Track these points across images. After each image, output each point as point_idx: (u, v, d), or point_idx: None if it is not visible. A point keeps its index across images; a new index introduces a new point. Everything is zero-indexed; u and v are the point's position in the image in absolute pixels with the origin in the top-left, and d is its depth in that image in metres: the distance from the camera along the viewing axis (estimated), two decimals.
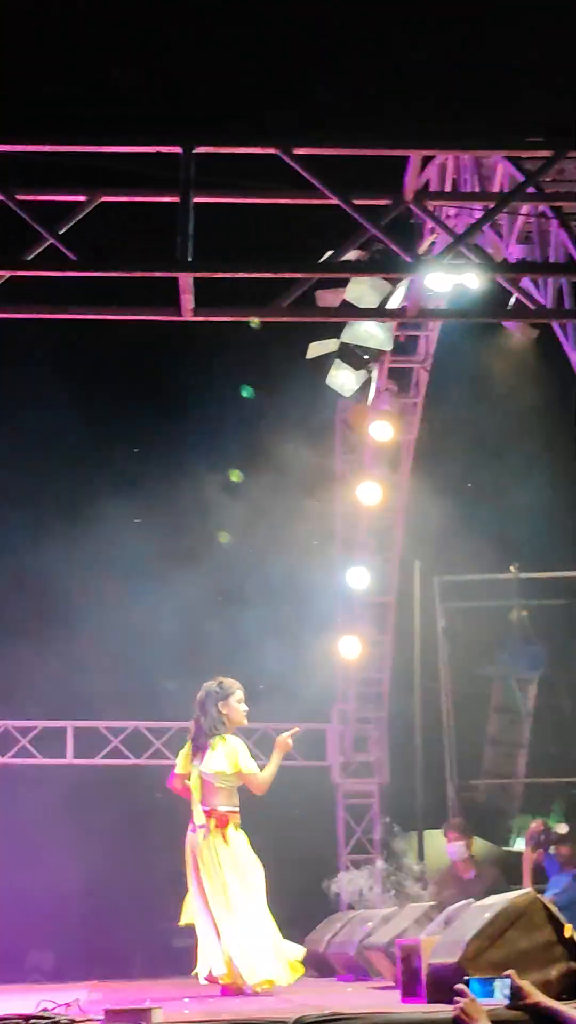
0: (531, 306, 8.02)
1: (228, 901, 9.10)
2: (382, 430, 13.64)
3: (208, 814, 9.22)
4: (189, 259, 7.09)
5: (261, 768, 9.58)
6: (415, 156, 7.53)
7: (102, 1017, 6.27)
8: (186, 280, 7.17)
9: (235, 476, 15.23)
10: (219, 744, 9.33)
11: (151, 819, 14.35)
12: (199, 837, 9.23)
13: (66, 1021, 6.28)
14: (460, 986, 6.04)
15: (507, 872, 12.61)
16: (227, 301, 7.57)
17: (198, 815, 9.28)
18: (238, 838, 9.29)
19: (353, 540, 15.18)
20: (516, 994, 6.19)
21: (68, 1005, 7.38)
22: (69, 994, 8.20)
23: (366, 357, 11.76)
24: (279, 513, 14.87)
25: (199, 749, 9.42)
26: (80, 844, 13.75)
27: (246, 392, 15.14)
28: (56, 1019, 6.26)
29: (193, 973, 9.28)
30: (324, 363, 11.85)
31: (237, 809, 9.43)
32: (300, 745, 15.43)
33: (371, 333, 11.41)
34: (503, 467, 15.28)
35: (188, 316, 7.39)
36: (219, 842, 9.19)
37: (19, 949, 13.47)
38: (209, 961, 9.11)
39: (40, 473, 14.63)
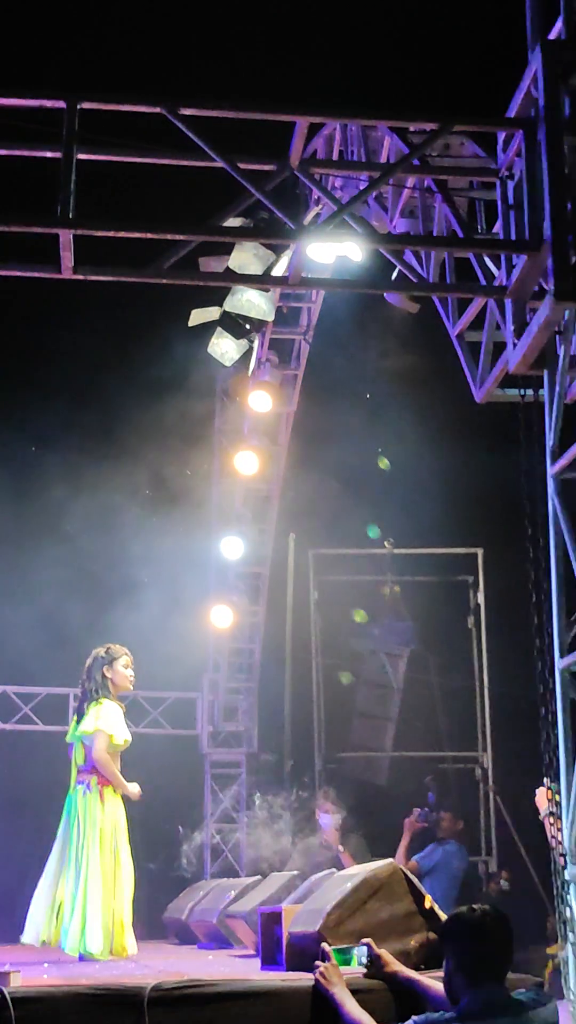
0: (413, 279, 8.02)
1: (86, 864, 9.04)
2: (261, 401, 13.60)
3: (91, 772, 9.18)
4: (70, 216, 7.00)
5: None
6: (302, 122, 7.50)
7: None
8: (66, 236, 7.07)
9: (383, 463, 15.27)
10: (93, 708, 9.30)
11: (19, 784, 14.30)
12: (78, 795, 9.18)
13: None
14: (325, 947, 6.08)
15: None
16: (107, 261, 7.48)
17: (76, 775, 9.24)
18: (115, 802, 9.22)
19: (229, 510, 15.17)
20: (374, 962, 6.25)
21: None
22: None
23: (248, 327, 11.70)
24: (155, 480, 14.81)
25: (80, 715, 9.40)
26: None
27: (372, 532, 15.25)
28: None
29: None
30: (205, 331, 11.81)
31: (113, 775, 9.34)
32: (170, 713, 15.45)
33: (254, 303, 11.36)
34: (380, 441, 15.35)
35: (67, 274, 7.28)
36: (96, 803, 9.14)
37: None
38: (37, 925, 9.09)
39: None
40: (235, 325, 11.54)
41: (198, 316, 11.77)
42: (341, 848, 12.12)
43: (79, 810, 9.16)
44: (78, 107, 7.18)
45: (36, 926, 9.09)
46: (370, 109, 7.81)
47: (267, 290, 11.42)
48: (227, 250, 10.17)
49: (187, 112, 7.30)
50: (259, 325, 12.03)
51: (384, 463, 15.53)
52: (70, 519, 14.60)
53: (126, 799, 9.34)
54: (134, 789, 9.39)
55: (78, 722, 9.42)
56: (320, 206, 10.19)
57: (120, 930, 9.05)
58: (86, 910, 8.92)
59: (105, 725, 9.26)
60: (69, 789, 9.34)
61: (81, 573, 14.43)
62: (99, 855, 9.06)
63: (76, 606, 14.29)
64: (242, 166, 7.39)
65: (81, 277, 7.35)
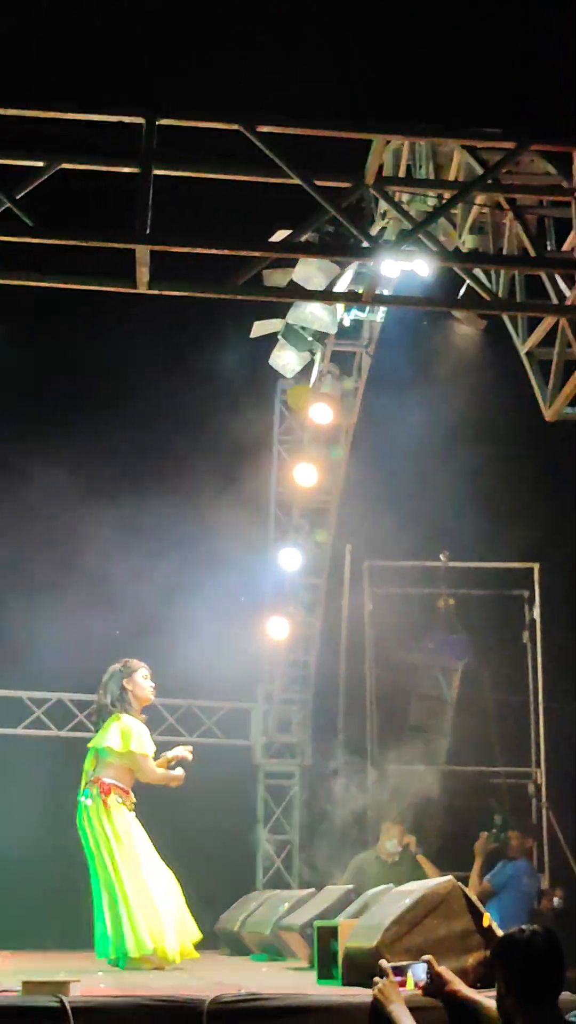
0: (486, 297, 8.03)
1: (110, 872, 9.07)
2: (322, 413, 13.64)
3: (94, 782, 9.18)
4: (147, 231, 7.04)
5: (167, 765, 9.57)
6: (379, 140, 7.53)
7: (19, 988, 6.24)
8: (143, 252, 7.13)
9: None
10: (113, 723, 9.27)
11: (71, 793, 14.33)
12: (82, 809, 9.19)
13: None
14: (383, 963, 6.07)
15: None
16: (181, 276, 7.53)
17: (84, 782, 9.26)
18: (121, 811, 9.20)
19: (287, 521, 15.21)
20: (435, 980, 6.23)
21: None
22: None
23: (310, 339, 11.73)
24: (214, 491, 14.83)
25: (97, 728, 9.41)
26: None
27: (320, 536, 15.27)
28: None
29: None
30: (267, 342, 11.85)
31: (126, 788, 9.32)
32: (224, 724, 15.47)
33: (316, 315, 11.39)
34: (439, 455, 15.32)
35: (143, 289, 7.34)
36: (102, 811, 9.13)
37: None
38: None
39: None
40: (297, 337, 11.57)
41: (261, 328, 11.82)
42: (419, 855, 12.16)
43: (87, 824, 9.15)
44: (156, 123, 7.23)
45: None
46: (447, 128, 7.83)
47: (330, 303, 11.45)
48: (291, 264, 10.20)
49: (264, 130, 7.34)
50: (321, 338, 12.07)
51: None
52: (128, 528, 14.66)
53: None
54: (178, 773, 9.53)
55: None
56: (386, 221, 10.21)
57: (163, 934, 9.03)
58: (127, 915, 8.93)
59: (137, 746, 9.22)
60: (79, 793, 9.33)
61: (137, 583, 14.47)
62: (121, 861, 9.04)
63: (132, 616, 14.33)
64: (317, 183, 7.42)
65: (156, 292, 7.40)
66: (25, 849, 13.55)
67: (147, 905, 9.02)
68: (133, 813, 9.33)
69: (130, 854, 9.10)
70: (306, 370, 13.01)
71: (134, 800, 9.38)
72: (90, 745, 9.37)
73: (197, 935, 9.38)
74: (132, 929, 8.91)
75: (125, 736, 9.22)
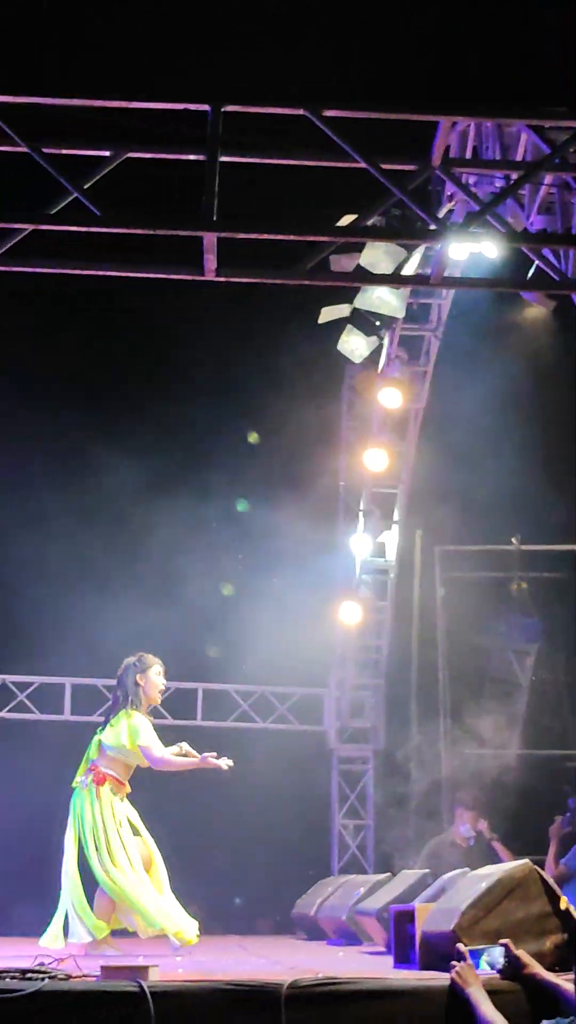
0: (555, 277, 7.97)
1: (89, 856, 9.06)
2: (391, 397, 13.61)
3: (91, 769, 9.15)
4: (214, 218, 7.05)
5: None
6: (445, 122, 7.49)
7: (98, 973, 6.29)
8: (210, 239, 7.13)
9: (252, 438, 15.20)
10: (123, 719, 9.25)
11: (146, 780, 14.40)
12: (77, 795, 9.18)
13: (63, 976, 6.29)
14: (461, 947, 6.07)
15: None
16: (248, 262, 7.53)
17: (84, 769, 9.24)
18: (110, 801, 9.15)
19: (356, 507, 15.20)
20: (513, 963, 6.22)
21: (63, 960, 7.42)
22: (64, 949, 8.24)
23: (378, 324, 11.70)
24: (284, 477, 14.85)
25: (106, 721, 9.38)
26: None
27: (242, 506, 15.15)
28: (53, 974, 6.28)
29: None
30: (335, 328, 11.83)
31: (121, 780, 9.29)
32: (297, 709, 15.50)
33: (384, 299, 11.36)
34: (509, 438, 15.24)
35: (211, 276, 7.35)
36: (92, 797, 9.11)
37: (6, 902, 13.49)
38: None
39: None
40: (365, 322, 11.54)
41: (329, 313, 11.79)
42: (471, 845, 12.10)
43: (79, 811, 9.15)
44: (222, 110, 7.23)
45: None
46: (513, 108, 7.77)
47: (398, 287, 11.41)
48: (358, 248, 10.17)
49: (329, 114, 7.31)
50: (389, 322, 12.04)
51: (253, 437, 15.47)
52: (197, 516, 14.71)
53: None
54: (194, 758, 9.37)
55: (104, 726, 9.41)
56: (453, 203, 10.17)
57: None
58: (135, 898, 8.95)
59: (144, 741, 9.20)
60: (73, 780, 9.34)
61: (209, 569, 14.53)
62: (106, 848, 9.00)
63: (204, 605, 14.40)
64: (383, 166, 7.39)
65: (224, 280, 7.40)
66: None
67: (126, 892, 8.96)
68: (126, 802, 9.30)
69: (108, 842, 9.03)
70: (374, 355, 12.99)
71: (128, 791, 9.37)
72: (100, 738, 9.32)
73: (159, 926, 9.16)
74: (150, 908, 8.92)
75: (133, 735, 9.19)
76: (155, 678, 9.44)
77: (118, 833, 9.06)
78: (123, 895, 8.95)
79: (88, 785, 9.14)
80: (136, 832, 9.24)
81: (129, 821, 9.21)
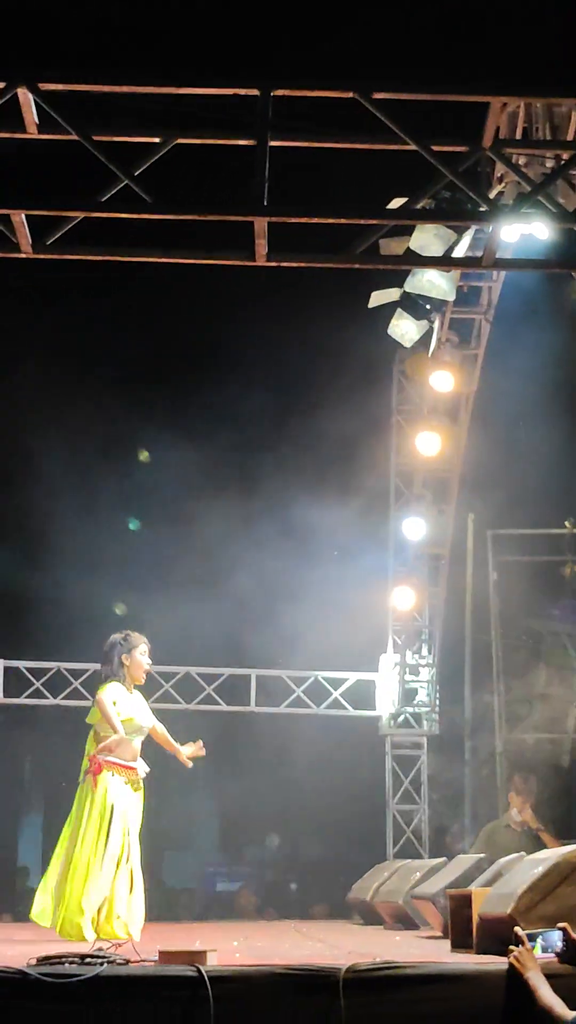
0: None
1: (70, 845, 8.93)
2: (443, 381, 13.57)
3: (90, 759, 8.99)
4: (265, 203, 7.03)
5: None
6: (495, 103, 7.44)
7: (156, 958, 6.31)
8: (261, 224, 7.12)
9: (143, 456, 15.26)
10: (100, 689, 9.07)
11: (200, 766, 14.44)
12: (80, 784, 9.05)
13: (121, 961, 6.32)
14: (518, 931, 6.05)
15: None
16: (298, 247, 7.52)
17: (85, 765, 9.10)
18: (104, 791, 8.88)
19: (408, 491, 15.17)
20: (571, 947, 6.19)
21: (121, 945, 7.46)
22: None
23: (428, 307, 11.65)
24: (335, 463, 14.85)
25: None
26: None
27: (133, 525, 15.09)
28: (111, 958, 6.31)
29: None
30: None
31: (125, 764, 9.00)
32: (350, 694, 15.50)
33: (434, 283, 11.30)
34: (561, 422, 15.17)
35: (261, 262, 7.34)
36: (88, 790, 8.92)
37: None
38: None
39: None
40: (416, 306, 11.50)
41: (379, 297, 11.75)
42: (541, 831, 12.05)
43: (77, 800, 8.98)
44: (272, 94, 7.20)
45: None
46: (562, 88, 7.71)
47: (448, 270, 11.36)
48: (407, 231, 10.13)
49: (379, 96, 7.28)
50: (440, 305, 11.98)
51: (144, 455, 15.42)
52: (249, 503, 14.74)
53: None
54: (140, 769, 9.08)
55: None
56: (503, 185, 10.09)
57: (110, 913, 8.75)
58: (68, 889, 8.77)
59: (100, 694, 8.96)
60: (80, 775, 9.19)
61: (261, 556, 14.54)
62: (86, 839, 8.84)
63: (256, 591, 14.42)
64: (433, 148, 7.35)
65: (275, 264, 7.39)
66: None
67: (85, 884, 8.79)
68: (129, 787, 9.00)
69: (86, 833, 8.88)
70: (425, 339, 12.94)
71: (139, 775, 9.03)
72: (91, 725, 9.16)
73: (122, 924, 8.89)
74: (64, 902, 8.75)
75: (101, 694, 8.96)
76: (140, 657, 9.22)
77: (84, 823, 8.86)
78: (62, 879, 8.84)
79: (87, 778, 8.96)
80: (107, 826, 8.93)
81: (111, 811, 8.91)
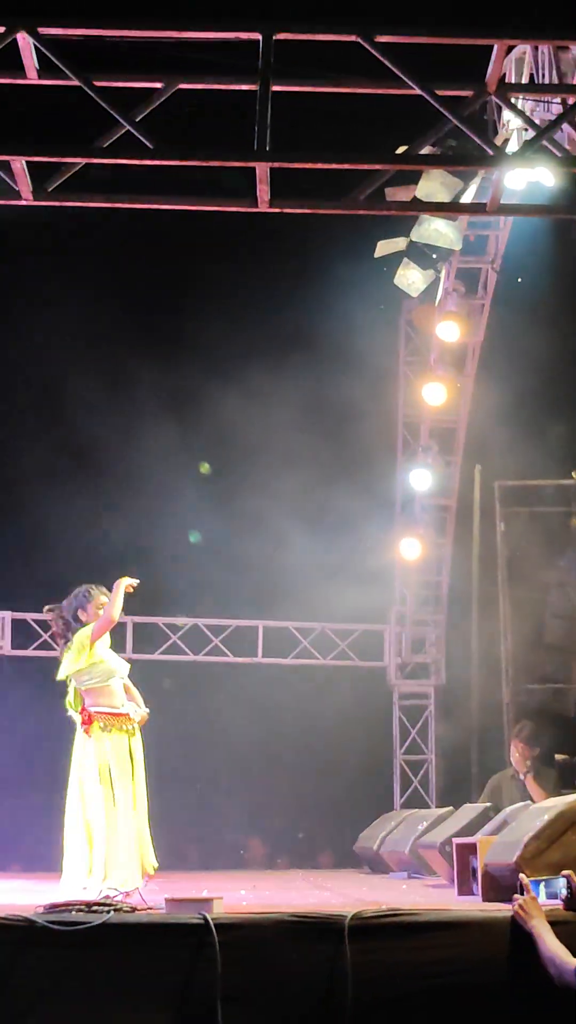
0: None
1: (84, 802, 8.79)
2: (449, 331, 13.49)
3: (80, 712, 8.82)
4: (267, 148, 6.97)
5: None
6: (500, 46, 7.36)
7: (163, 906, 6.34)
8: (263, 170, 7.07)
9: (204, 468, 15.21)
10: (69, 649, 8.67)
11: (209, 716, 14.50)
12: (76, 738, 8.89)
13: (128, 909, 6.37)
14: (523, 878, 6.07)
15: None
16: (302, 193, 7.46)
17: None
18: (102, 742, 8.58)
19: (415, 442, 15.14)
20: (574, 895, 6.22)
21: (128, 894, 7.50)
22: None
23: (435, 256, 11.58)
24: (342, 413, 14.80)
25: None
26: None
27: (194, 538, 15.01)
28: (119, 907, 6.35)
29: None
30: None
31: (114, 711, 8.66)
32: (357, 646, 15.51)
33: (441, 232, 11.22)
34: (568, 372, 15.10)
35: (264, 207, 7.29)
36: (83, 742, 8.63)
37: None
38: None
39: None
40: (422, 255, 11.43)
41: (385, 247, 11.67)
42: (527, 776, 12.04)
43: (73, 753, 8.83)
44: (273, 37, 7.13)
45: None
46: (568, 30, 7.63)
47: (454, 219, 11.28)
48: (413, 179, 10.05)
49: (383, 39, 7.20)
50: (446, 255, 11.90)
51: (205, 468, 15.37)
52: (257, 454, 14.71)
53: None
54: (139, 713, 8.72)
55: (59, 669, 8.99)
56: (509, 132, 10.00)
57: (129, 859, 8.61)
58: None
59: (90, 631, 8.58)
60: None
61: (267, 506, 14.52)
62: (86, 791, 8.71)
63: (260, 541, 14.41)
64: (437, 92, 7.28)
65: (277, 210, 7.34)
66: None
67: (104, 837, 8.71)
68: (127, 739, 8.67)
69: (86, 787, 8.76)
70: (431, 288, 12.87)
71: (133, 721, 8.68)
72: (59, 678, 8.79)
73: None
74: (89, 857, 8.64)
75: (81, 643, 8.58)
76: (99, 610, 8.72)
77: (79, 778, 8.74)
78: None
79: (79, 729, 8.80)
80: (107, 776, 8.83)
81: (108, 765, 8.82)
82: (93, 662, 8.60)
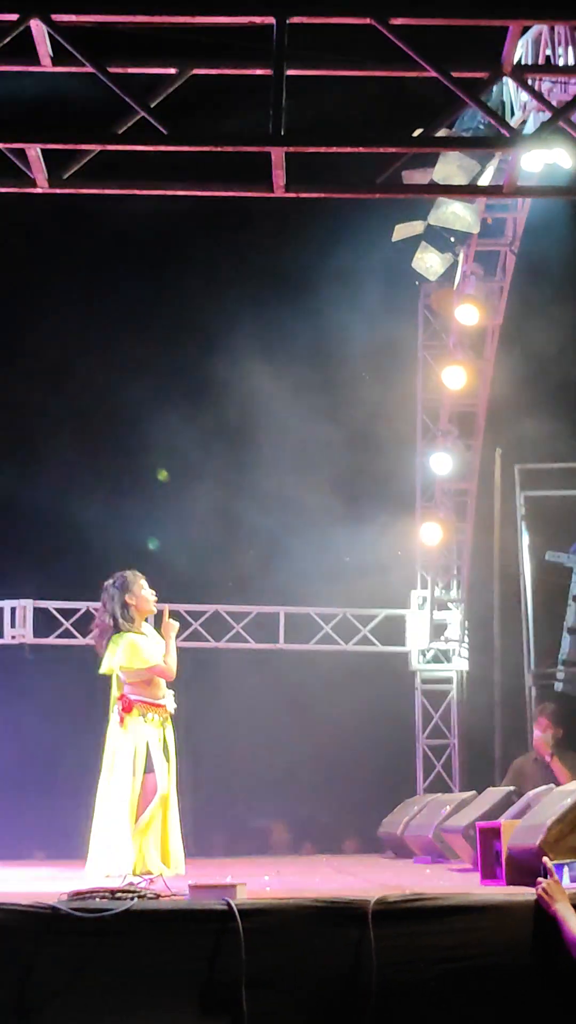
0: None
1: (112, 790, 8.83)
2: (468, 314, 13.48)
3: (119, 699, 8.88)
4: (282, 133, 6.95)
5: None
6: (515, 26, 7.32)
7: (187, 892, 6.36)
8: (279, 155, 7.05)
9: (162, 476, 15.19)
10: (120, 642, 8.76)
11: (231, 703, 14.50)
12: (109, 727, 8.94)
13: (152, 895, 6.38)
14: (547, 862, 6.06)
15: None
16: (318, 178, 7.44)
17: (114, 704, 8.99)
18: (138, 728, 8.70)
19: (434, 427, 15.11)
20: None
21: (152, 880, 7.52)
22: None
23: (452, 240, 11.56)
24: (361, 397, 14.79)
25: (104, 648, 9.09)
26: None
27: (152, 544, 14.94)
28: (143, 893, 6.37)
29: None
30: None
31: (152, 701, 8.81)
32: (380, 631, 15.50)
33: (458, 215, 11.23)
34: None
35: (279, 192, 7.27)
36: (118, 729, 8.82)
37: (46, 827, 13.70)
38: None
39: None
40: (440, 238, 11.41)
41: (403, 230, 11.68)
42: (550, 758, 12.03)
43: (106, 740, 8.88)
44: (287, 21, 7.10)
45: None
46: None
47: (472, 202, 11.25)
48: (430, 162, 10.02)
49: (397, 22, 7.17)
50: (464, 237, 11.90)
51: (163, 475, 15.33)
52: (277, 441, 14.71)
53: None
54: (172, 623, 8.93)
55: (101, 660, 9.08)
56: (526, 114, 9.97)
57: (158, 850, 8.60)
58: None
59: (151, 661, 8.85)
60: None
61: (288, 492, 14.52)
62: (118, 779, 8.74)
63: (280, 527, 14.41)
64: (453, 75, 7.25)
65: (294, 195, 7.32)
66: None
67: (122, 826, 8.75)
68: (161, 730, 8.80)
69: (117, 773, 8.79)
70: (450, 272, 12.85)
71: (167, 711, 8.83)
72: (103, 672, 8.87)
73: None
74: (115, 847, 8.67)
75: (135, 654, 8.72)
76: (143, 592, 8.95)
77: (112, 765, 8.80)
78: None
79: (115, 719, 8.87)
80: (141, 764, 8.89)
81: (147, 749, 8.91)
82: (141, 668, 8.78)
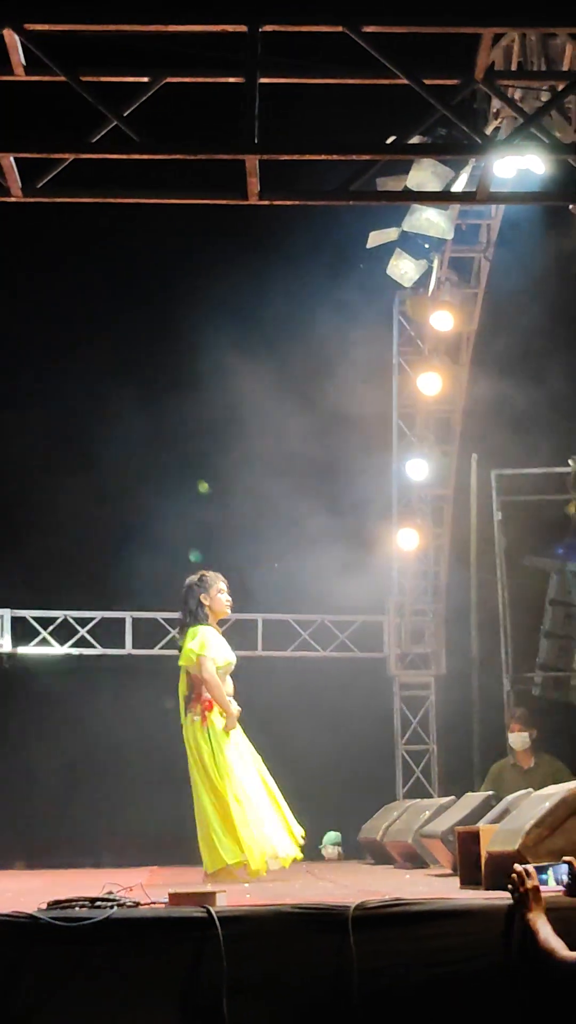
0: None
1: (203, 788, 9.11)
2: (443, 320, 13.51)
3: (196, 699, 9.15)
4: (255, 141, 6.97)
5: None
6: (487, 34, 7.35)
7: (166, 900, 6.34)
8: (252, 163, 7.06)
9: (203, 487, 15.23)
10: (188, 637, 9.28)
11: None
12: (187, 726, 9.22)
13: (131, 903, 6.36)
14: (518, 868, 6.05)
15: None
16: (291, 185, 7.46)
17: (184, 705, 9.25)
18: (218, 727, 9.24)
19: (410, 433, 15.14)
20: None
21: (131, 888, 7.50)
22: (131, 878, 8.31)
23: (427, 246, 11.57)
24: (337, 404, 14.80)
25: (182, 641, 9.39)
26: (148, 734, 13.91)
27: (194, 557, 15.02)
28: (121, 901, 6.34)
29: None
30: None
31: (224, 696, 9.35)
32: (357, 637, 15.52)
33: (432, 221, 11.23)
34: (563, 358, 15.09)
35: (254, 200, 7.28)
36: (199, 729, 9.17)
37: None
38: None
39: None
40: (414, 245, 11.43)
41: (376, 237, 11.67)
42: (532, 766, 12.08)
43: (189, 740, 9.18)
44: (260, 29, 7.12)
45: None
46: (556, 17, 7.61)
47: (446, 208, 11.27)
48: (404, 169, 10.03)
49: (369, 30, 7.19)
50: (438, 244, 11.91)
51: (204, 487, 15.40)
52: (249, 446, 14.71)
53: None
54: (234, 709, 9.34)
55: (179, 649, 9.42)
56: (499, 121, 10.00)
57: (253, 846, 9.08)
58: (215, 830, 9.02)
59: (207, 652, 9.20)
60: (181, 718, 9.39)
61: (264, 499, 14.53)
62: (210, 779, 9.03)
63: (257, 534, 14.42)
64: (425, 82, 7.27)
65: (267, 203, 7.33)
66: None
67: (233, 818, 9.02)
68: (236, 728, 9.35)
69: (222, 771, 9.08)
70: (424, 278, 12.86)
71: (238, 709, 9.37)
72: (181, 664, 9.37)
73: (293, 848, 9.35)
74: (217, 842, 8.96)
75: (203, 643, 9.23)
76: (220, 596, 9.46)
77: (222, 763, 9.11)
78: (207, 825, 9.05)
79: (197, 717, 9.16)
80: (224, 763, 9.22)
81: (228, 752, 9.21)
82: (222, 664, 9.31)
